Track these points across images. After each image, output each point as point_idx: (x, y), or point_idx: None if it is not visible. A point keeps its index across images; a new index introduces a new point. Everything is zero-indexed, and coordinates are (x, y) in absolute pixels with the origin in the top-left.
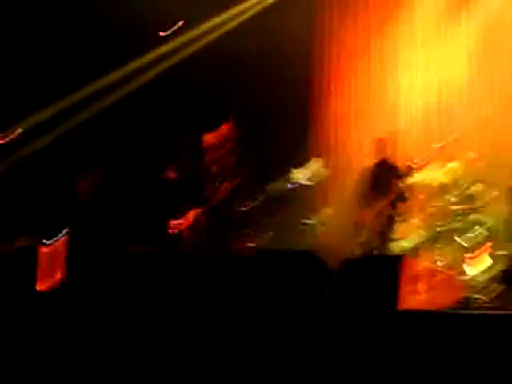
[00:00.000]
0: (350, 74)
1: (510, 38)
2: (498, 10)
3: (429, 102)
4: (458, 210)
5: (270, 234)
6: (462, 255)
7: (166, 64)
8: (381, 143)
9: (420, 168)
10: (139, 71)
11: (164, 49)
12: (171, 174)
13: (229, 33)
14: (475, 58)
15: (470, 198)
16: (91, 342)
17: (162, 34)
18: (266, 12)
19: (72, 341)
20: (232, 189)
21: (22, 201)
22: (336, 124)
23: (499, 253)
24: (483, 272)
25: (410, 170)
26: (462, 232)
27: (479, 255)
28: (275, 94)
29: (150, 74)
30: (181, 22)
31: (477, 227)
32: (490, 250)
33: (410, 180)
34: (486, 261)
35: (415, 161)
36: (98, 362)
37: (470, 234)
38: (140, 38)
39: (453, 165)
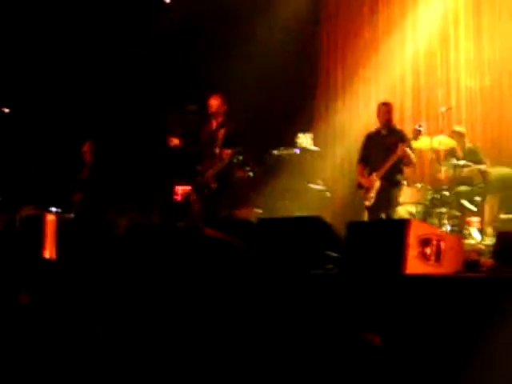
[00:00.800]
0: (356, 44)
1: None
2: None
3: (433, 71)
4: (465, 172)
5: (276, 199)
6: (469, 219)
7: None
8: (384, 108)
9: (426, 132)
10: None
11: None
12: (175, 142)
13: None
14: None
15: (477, 161)
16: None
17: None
18: None
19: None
20: (235, 154)
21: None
22: (344, 90)
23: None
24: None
25: (416, 134)
26: (468, 195)
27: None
28: (282, 60)
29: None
30: None
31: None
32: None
33: (416, 144)
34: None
35: (421, 124)
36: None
37: (476, 198)
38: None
39: (459, 128)
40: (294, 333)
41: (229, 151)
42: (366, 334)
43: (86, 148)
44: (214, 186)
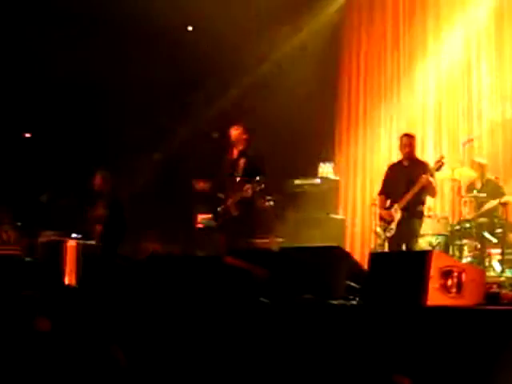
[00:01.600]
0: (378, 72)
1: None
2: None
3: (455, 102)
4: (486, 204)
5: (297, 228)
6: (490, 250)
7: None
8: (407, 138)
9: (447, 163)
10: None
11: None
12: (202, 185)
13: None
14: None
15: (498, 193)
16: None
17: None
18: None
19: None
20: (256, 186)
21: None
22: (364, 120)
23: None
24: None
25: (438, 165)
26: (489, 227)
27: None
28: (303, 90)
29: None
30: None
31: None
32: None
33: (437, 175)
34: None
35: (443, 155)
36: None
37: (498, 230)
38: None
39: (480, 159)
40: (314, 363)
41: (249, 185)
42: (397, 376)
43: (98, 179)
44: (235, 213)
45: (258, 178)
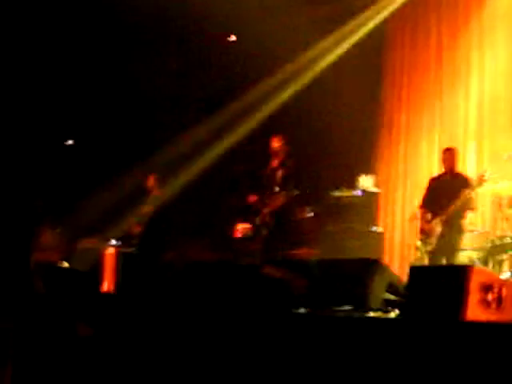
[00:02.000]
0: (420, 85)
1: None
2: None
3: (498, 117)
4: None
5: (336, 240)
6: None
7: None
8: (449, 152)
9: (490, 178)
10: None
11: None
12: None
13: None
14: None
15: None
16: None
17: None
18: None
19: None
20: (290, 193)
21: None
22: (406, 135)
23: None
24: None
25: (481, 181)
26: None
27: None
28: (346, 104)
29: None
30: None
31: None
32: None
33: (479, 190)
34: None
35: (487, 171)
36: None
37: None
38: None
39: None
40: (351, 376)
41: (281, 194)
42: None
43: (151, 181)
44: (270, 222)
45: (291, 189)
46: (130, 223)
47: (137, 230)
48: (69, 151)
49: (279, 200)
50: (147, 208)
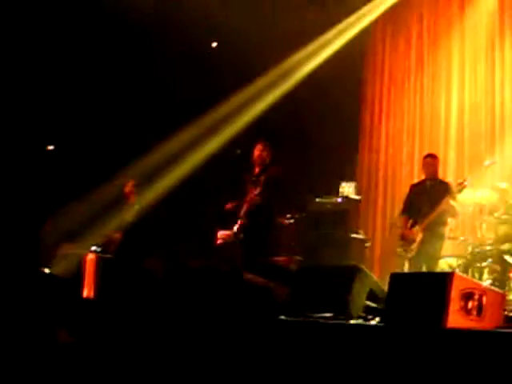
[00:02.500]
0: (401, 93)
1: None
2: None
3: (478, 125)
4: (507, 229)
5: (317, 247)
6: (510, 274)
7: None
8: (431, 159)
9: (470, 185)
10: None
11: None
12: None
13: None
14: None
15: None
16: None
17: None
18: None
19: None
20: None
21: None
22: (387, 142)
23: None
24: None
25: (461, 187)
26: (511, 250)
27: None
28: (327, 110)
29: None
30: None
31: None
32: None
33: (460, 197)
34: None
35: (466, 178)
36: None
37: None
38: None
39: (502, 184)
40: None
41: (258, 196)
42: None
43: (129, 187)
44: (246, 224)
45: (271, 192)
46: (108, 230)
47: (116, 236)
48: (50, 156)
49: (255, 200)
50: (126, 215)
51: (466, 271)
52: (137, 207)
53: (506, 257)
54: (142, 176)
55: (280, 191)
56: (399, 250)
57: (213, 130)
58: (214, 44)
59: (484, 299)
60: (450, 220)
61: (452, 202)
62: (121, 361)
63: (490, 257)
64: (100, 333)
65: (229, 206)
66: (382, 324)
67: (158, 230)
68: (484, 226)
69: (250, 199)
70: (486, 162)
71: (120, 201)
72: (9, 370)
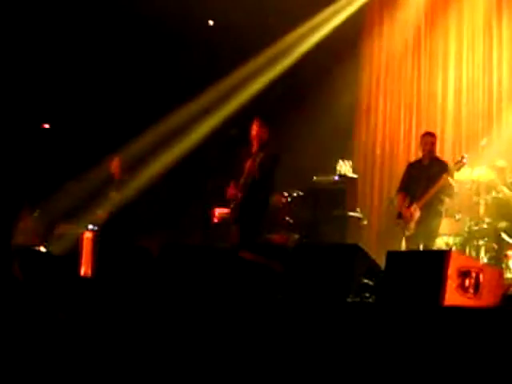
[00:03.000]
0: (399, 71)
1: None
2: None
3: (475, 104)
4: (504, 207)
5: (314, 225)
6: (507, 252)
7: None
8: (428, 138)
9: (467, 163)
10: None
11: None
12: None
13: None
14: None
15: None
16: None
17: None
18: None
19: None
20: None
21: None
22: (384, 120)
23: None
24: None
25: (459, 165)
26: (508, 228)
27: None
28: (324, 89)
29: None
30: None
31: None
32: None
33: (457, 175)
34: None
35: (464, 155)
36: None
37: None
38: None
39: (501, 163)
40: (329, 360)
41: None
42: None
43: (115, 165)
44: (240, 196)
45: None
46: (96, 210)
47: (100, 214)
48: (45, 135)
49: (252, 175)
50: (113, 193)
51: (463, 249)
52: (123, 185)
53: (503, 235)
54: (136, 155)
55: (277, 169)
56: (396, 228)
57: (209, 109)
58: (211, 22)
59: (481, 277)
60: (446, 198)
61: (449, 181)
62: (118, 341)
63: (487, 235)
64: (98, 311)
65: (231, 192)
66: (379, 302)
67: (153, 208)
68: (481, 204)
69: (247, 175)
70: (483, 142)
71: (109, 179)
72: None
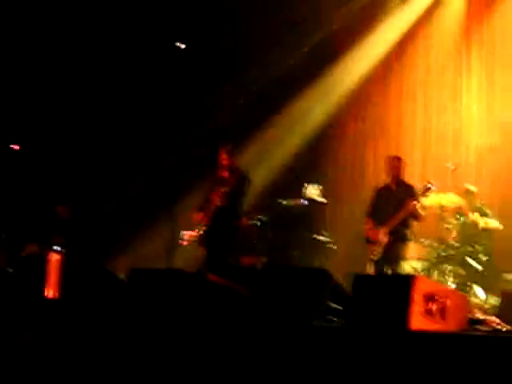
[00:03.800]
0: (368, 96)
1: None
2: None
3: (444, 128)
4: (472, 232)
5: (281, 248)
6: (473, 277)
7: None
8: (396, 161)
9: (435, 189)
10: None
11: None
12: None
13: None
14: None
15: (484, 221)
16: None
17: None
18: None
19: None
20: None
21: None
22: (353, 143)
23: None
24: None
25: (426, 190)
26: (474, 254)
27: None
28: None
29: None
30: None
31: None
32: None
33: (425, 200)
34: None
35: (431, 181)
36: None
37: (482, 257)
38: None
39: (470, 187)
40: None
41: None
42: None
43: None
44: (209, 222)
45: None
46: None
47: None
48: (14, 156)
49: (220, 200)
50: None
51: (430, 274)
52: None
53: (469, 260)
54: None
55: (245, 193)
56: (363, 251)
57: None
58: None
59: (448, 302)
60: (414, 223)
61: (416, 206)
62: (84, 362)
63: (455, 260)
64: (64, 332)
65: (197, 216)
66: (345, 326)
67: (118, 231)
68: (449, 229)
69: (216, 199)
70: (451, 166)
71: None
72: None
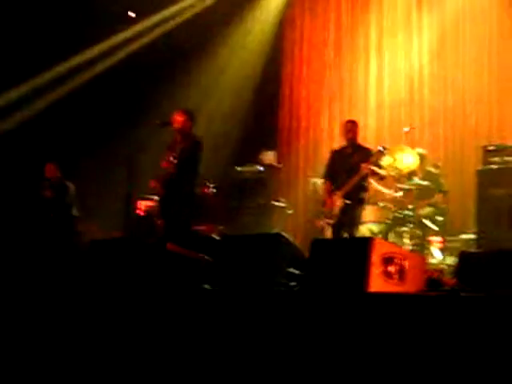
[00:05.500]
0: (321, 61)
1: (473, 31)
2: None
3: (397, 91)
4: (427, 193)
5: (239, 215)
6: (430, 238)
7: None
8: (349, 125)
9: (389, 151)
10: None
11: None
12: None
13: None
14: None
15: (437, 185)
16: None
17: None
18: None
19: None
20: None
21: None
22: (307, 108)
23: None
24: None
25: (379, 155)
26: (430, 215)
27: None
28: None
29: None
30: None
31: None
32: None
33: (379, 163)
34: None
35: (385, 145)
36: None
37: (438, 217)
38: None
39: (421, 150)
40: (257, 349)
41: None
42: None
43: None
44: (161, 192)
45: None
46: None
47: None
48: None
49: (170, 168)
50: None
51: (386, 236)
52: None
53: (426, 221)
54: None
55: (198, 159)
56: (320, 216)
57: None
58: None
59: (405, 263)
60: (369, 185)
61: (371, 169)
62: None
63: (411, 222)
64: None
65: (153, 184)
66: (303, 290)
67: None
68: (403, 191)
69: (166, 167)
70: (405, 129)
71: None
72: None
